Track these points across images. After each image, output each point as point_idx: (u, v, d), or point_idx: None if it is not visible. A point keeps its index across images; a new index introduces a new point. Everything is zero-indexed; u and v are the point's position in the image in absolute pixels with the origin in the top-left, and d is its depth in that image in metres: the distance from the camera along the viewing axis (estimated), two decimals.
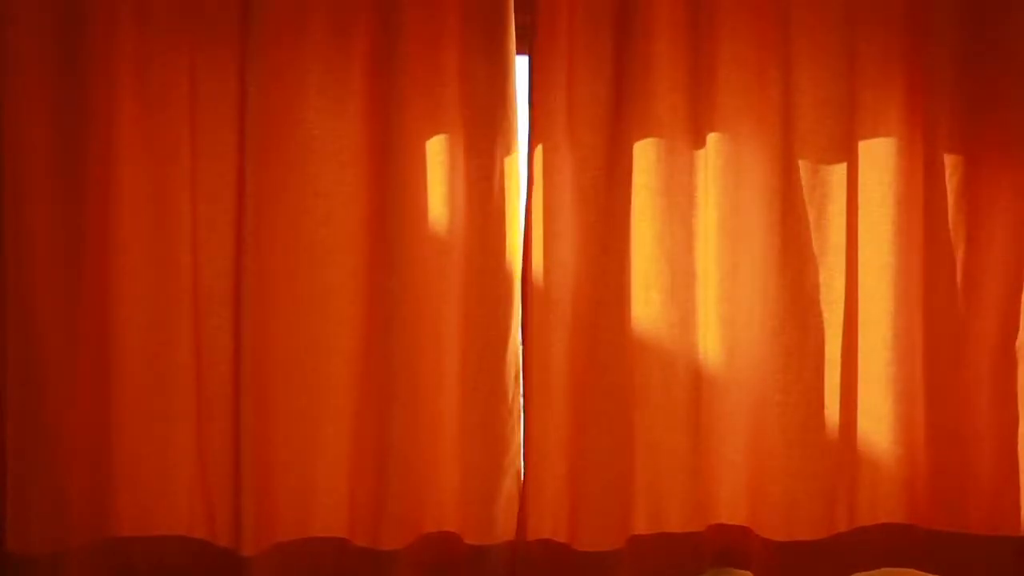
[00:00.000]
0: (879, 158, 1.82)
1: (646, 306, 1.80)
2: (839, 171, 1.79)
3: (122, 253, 1.75)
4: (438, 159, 1.77)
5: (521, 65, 1.80)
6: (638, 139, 1.76)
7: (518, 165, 1.79)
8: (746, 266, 1.81)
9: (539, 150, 1.77)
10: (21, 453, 1.71)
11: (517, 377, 1.79)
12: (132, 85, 1.74)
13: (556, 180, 1.77)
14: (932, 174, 1.79)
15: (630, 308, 1.77)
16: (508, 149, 1.76)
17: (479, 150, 1.73)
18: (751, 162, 1.80)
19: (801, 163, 1.77)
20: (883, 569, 1.87)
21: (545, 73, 1.75)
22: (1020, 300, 1.80)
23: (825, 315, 1.79)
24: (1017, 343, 1.81)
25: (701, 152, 1.80)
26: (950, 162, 1.79)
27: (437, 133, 1.77)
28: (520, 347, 1.79)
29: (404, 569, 1.75)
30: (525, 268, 1.79)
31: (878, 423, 1.84)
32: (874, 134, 1.82)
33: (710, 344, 1.83)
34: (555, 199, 1.77)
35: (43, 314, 1.70)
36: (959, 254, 1.79)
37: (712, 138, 1.80)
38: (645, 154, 1.78)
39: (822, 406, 1.79)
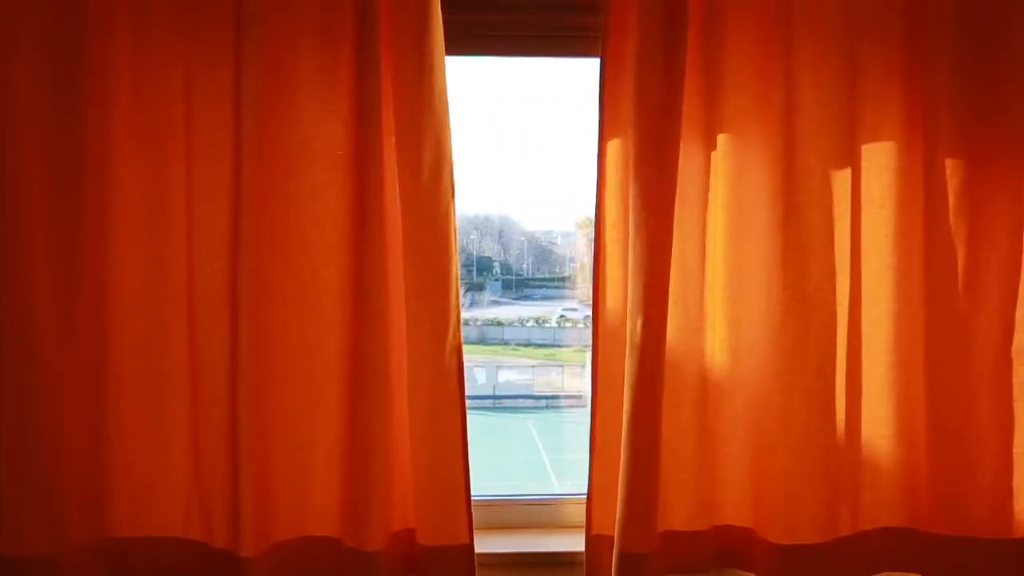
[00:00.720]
0: (880, 161, 1.82)
1: None
2: (841, 174, 1.79)
3: (118, 254, 1.75)
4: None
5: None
6: (682, 139, 1.77)
7: (451, 162, 1.78)
8: (750, 268, 1.81)
9: (609, 148, 1.80)
10: (16, 454, 1.71)
11: (461, 375, 1.79)
12: (129, 87, 1.75)
13: (621, 178, 1.79)
14: (932, 177, 1.79)
15: (667, 312, 1.77)
16: (438, 146, 1.76)
17: (409, 150, 1.74)
18: (755, 165, 1.81)
19: (803, 166, 1.76)
20: (884, 574, 1.86)
21: (615, 75, 1.78)
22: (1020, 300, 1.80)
23: (827, 317, 1.78)
24: (1013, 347, 1.80)
25: (708, 156, 1.81)
26: (950, 165, 1.79)
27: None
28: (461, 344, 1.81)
29: (386, 568, 1.75)
30: (596, 270, 1.81)
31: (879, 426, 1.83)
32: (875, 138, 1.82)
33: (717, 346, 1.83)
34: (620, 199, 1.80)
35: (39, 315, 1.70)
36: (959, 256, 1.79)
37: (719, 141, 1.81)
38: None
39: (823, 408, 1.78)
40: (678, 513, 1.82)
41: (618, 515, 1.74)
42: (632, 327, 1.73)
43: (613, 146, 1.80)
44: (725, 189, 1.81)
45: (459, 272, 1.78)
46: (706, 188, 1.81)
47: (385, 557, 1.75)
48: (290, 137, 1.75)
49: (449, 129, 1.76)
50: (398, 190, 1.75)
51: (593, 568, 1.83)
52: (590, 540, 1.83)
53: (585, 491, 2.03)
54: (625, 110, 1.77)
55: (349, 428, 1.77)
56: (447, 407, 1.77)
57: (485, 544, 1.91)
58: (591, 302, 1.83)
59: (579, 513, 2.02)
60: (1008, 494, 1.81)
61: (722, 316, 1.82)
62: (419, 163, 1.73)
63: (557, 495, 2.10)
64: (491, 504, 2.07)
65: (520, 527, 2.05)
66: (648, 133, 1.72)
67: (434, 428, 1.76)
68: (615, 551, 1.74)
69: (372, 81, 1.70)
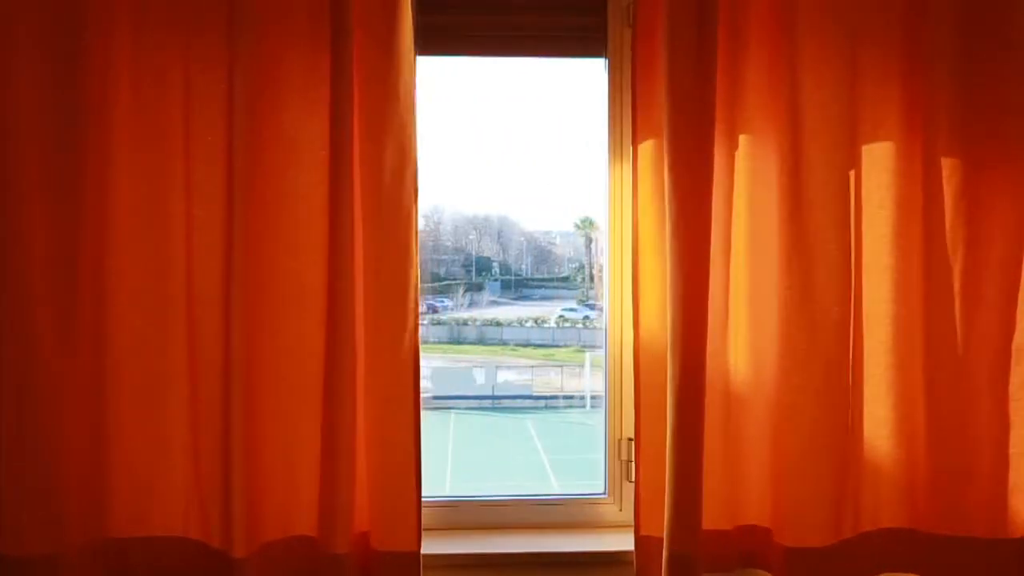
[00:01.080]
0: (879, 162, 1.82)
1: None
2: (843, 175, 1.79)
3: (118, 255, 1.75)
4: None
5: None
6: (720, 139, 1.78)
7: (415, 166, 1.77)
8: (764, 268, 1.82)
9: (642, 150, 1.81)
10: (16, 454, 1.71)
11: (416, 380, 1.78)
12: (128, 88, 1.75)
13: (656, 183, 1.79)
14: (931, 177, 1.79)
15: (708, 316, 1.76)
16: (401, 151, 1.75)
17: (372, 154, 1.74)
18: (766, 166, 1.81)
19: (807, 167, 1.76)
20: (885, 575, 1.86)
21: (646, 76, 1.79)
22: (1018, 301, 1.80)
23: (834, 317, 1.78)
24: (1013, 344, 1.80)
25: (732, 157, 1.82)
26: (949, 166, 1.79)
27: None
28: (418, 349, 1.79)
29: (350, 570, 1.75)
30: (635, 275, 1.82)
31: (878, 426, 1.83)
32: (875, 138, 1.82)
33: (739, 347, 1.84)
34: (655, 201, 1.80)
35: (38, 315, 1.70)
36: (958, 256, 1.79)
37: (741, 142, 1.82)
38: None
39: (831, 409, 1.78)
40: (708, 513, 1.82)
41: (667, 516, 1.75)
42: (673, 332, 1.73)
43: (645, 149, 1.81)
44: (744, 191, 1.82)
45: (419, 275, 1.77)
46: (730, 189, 1.81)
47: (350, 559, 1.75)
48: (282, 138, 1.76)
49: (414, 134, 1.76)
50: (360, 198, 1.75)
51: (643, 568, 1.83)
52: (639, 541, 1.83)
53: (586, 491, 2.04)
54: (657, 113, 1.77)
55: (322, 430, 1.77)
56: (400, 413, 1.77)
57: (497, 545, 1.93)
58: (632, 307, 1.83)
59: (591, 514, 2.04)
60: (1006, 494, 1.80)
61: (744, 317, 1.82)
62: (381, 166, 1.73)
63: (571, 495, 2.11)
64: (498, 504, 2.07)
65: (532, 528, 2.05)
66: (682, 136, 1.72)
67: (387, 433, 1.76)
68: (665, 551, 1.75)
69: (344, 87, 1.70)
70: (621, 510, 2.03)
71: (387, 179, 1.74)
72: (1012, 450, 1.81)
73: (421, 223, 1.95)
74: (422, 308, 2.13)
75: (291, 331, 1.78)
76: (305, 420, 1.78)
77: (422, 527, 1.79)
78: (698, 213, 1.73)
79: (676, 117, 1.72)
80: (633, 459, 2.00)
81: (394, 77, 1.73)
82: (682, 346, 1.72)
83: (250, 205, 1.72)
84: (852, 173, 1.80)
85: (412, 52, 1.76)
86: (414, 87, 1.76)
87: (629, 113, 1.99)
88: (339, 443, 1.73)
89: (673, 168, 1.73)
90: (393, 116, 1.74)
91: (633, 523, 1.84)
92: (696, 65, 1.72)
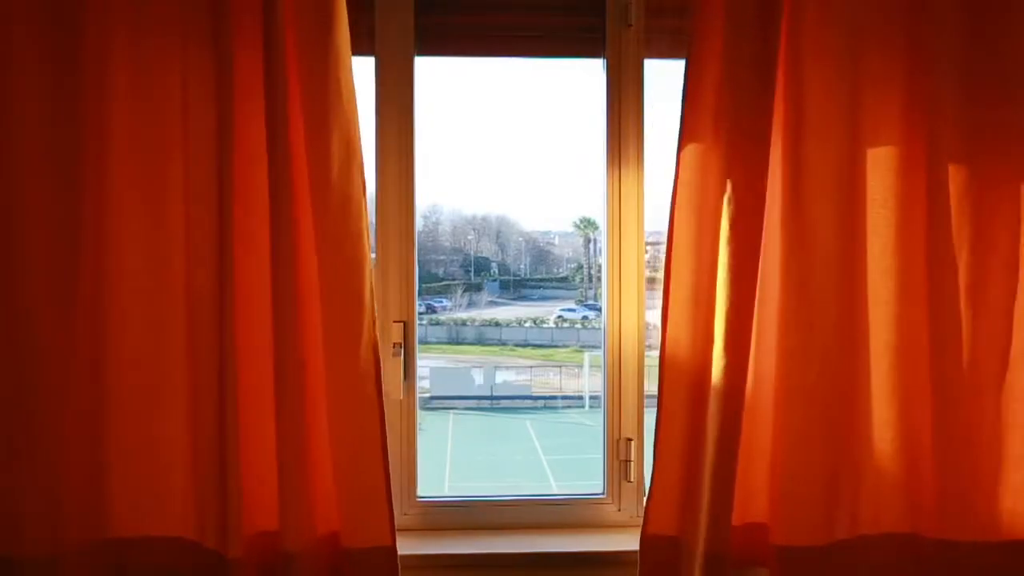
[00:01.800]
0: (882, 162, 1.82)
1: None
2: (844, 175, 1.79)
3: (117, 256, 1.76)
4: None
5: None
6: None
7: (361, 158, 1.78)
8: (766, 268, 1.81)
9: (688, 152, 1.79)
10: (16, 454, 1.71)
11: (377, 375, 1.78)
12: (127, 88, 1.75)
13: (705, 182, 1.79)
14: (934, 177, 1.79)
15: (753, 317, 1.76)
16: (347, 144, 1.75)
17: (317, 148, 1.74)
18: (771, 165, 1.81)
19: (808, 166, 1.76)
20: None
21: (699, 76, 1.78)
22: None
23: (831, 318, 1.78)
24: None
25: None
26: (952, 164, 1.78)
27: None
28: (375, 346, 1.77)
29: (308, 570, 1.75)
30: (666, 278, 1.81)
31: (882, 428, 1.82)
32: (877, 138, 1.81)
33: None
34: (702, 204, 1.79)
35: (37, 315, 1.70)
36: (962, 255, 1.78)
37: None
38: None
39: (825, 410, 1.78)
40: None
41: (705, 516, 1.75)
42: (727, 341, 1.73)
43: (688, 154, 1.79)
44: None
45: (372, 268, 1.76)
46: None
47: (306, 559, 1.74)
48: (262, 139, 1.76)
49: (358, 126, 1.76)
50: (310, 198, 1.75)
51: (650, 565, 1.83)
52: (647, 538, 1.83)
53: (585, 491, 2.04)
54: (705, 117, 1.77)
55: (276, 427, 1.76)
56: (365, 409, 1.76)
57: (495, 545, 1.94)
58: (660, 309, 1.82)
59: (589, 514, 2.05)
60: (1015, 497, 1.80)
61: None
62: (329, 161, 1.73)
63: (569, 495, 2.11)
64: (496, 505, 2.07)
65: (531, 528, 2.04)
66: (742, 141, 1.72)
67: (352, 430, 1.76)
68: (701, 550, 1.75)
69: (279, 85, 1.70)
70: (620, 510, 2.04)
71: (335, 174, 1.74)
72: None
73: (419, 223, 1.96)
74: (420, 308, 2.14)
75: (269, 331, 1.78)
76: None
77: (395, 524, 1.78)
78: (754, 220, 1.74)
79: (737, 120, 1.72)
80: (633, 459, 2.01)
81: (334, 73, 1.72)
82: (732, 354, 1.73)
83: (237, 205, 1.72)
84: (855, 173, 1.80)
85: (350, 48, 1.75)
86: (354, 82, 1.76)
87: (627, 113, 1.99)
88: (286, 442, 1.73)
89: (734, 174, 1.72)
90: (337, 111, 1.73)
91: (634, 521, 1.84)
92: (759, 68, 1.72)
